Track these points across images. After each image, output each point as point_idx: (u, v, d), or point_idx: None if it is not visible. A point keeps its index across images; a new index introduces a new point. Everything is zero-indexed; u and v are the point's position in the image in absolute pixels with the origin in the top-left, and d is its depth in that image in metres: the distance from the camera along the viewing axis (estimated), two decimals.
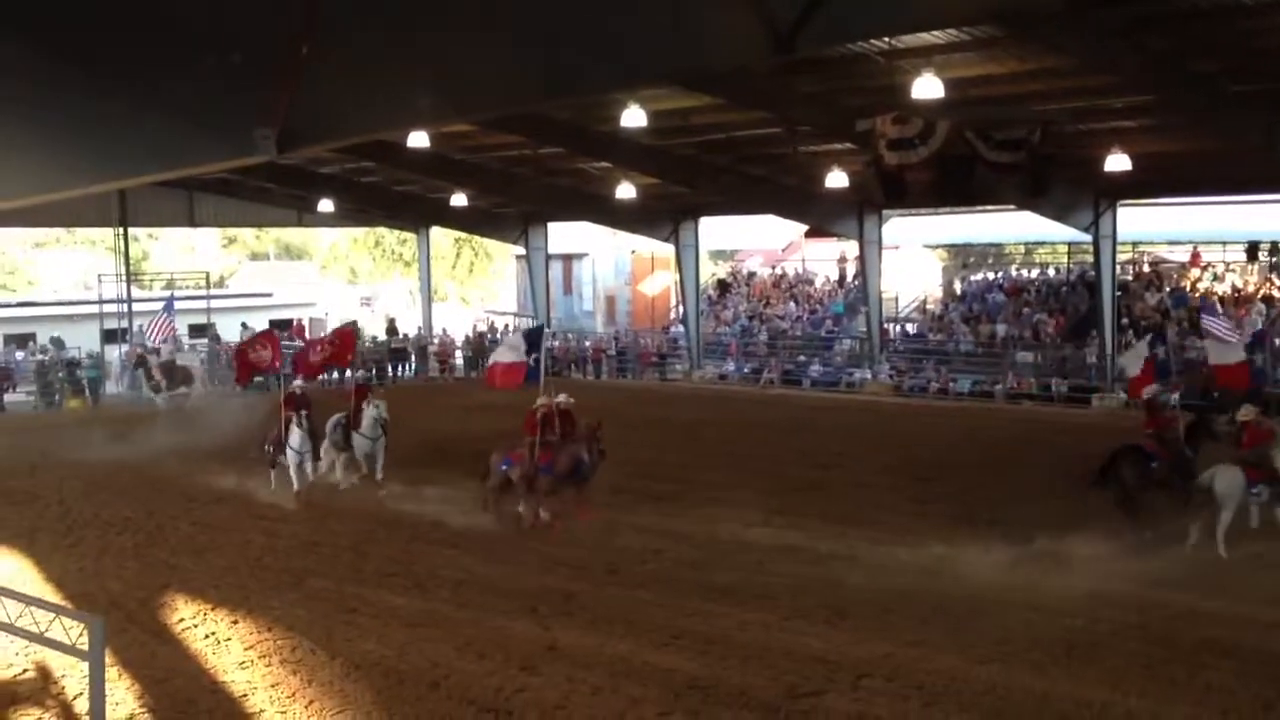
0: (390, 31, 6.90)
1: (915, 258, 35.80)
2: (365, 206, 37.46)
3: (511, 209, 36.52)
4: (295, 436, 17.17)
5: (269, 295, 42.42)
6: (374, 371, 33.67)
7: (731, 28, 7.84)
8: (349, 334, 18.54)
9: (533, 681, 9.75)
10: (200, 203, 34.29)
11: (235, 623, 11.41)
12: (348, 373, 26.27)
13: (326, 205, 35.03)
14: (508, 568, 13.36)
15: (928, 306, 33.41)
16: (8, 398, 29.65)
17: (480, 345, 36.17)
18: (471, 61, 7.23)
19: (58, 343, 32.62)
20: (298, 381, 18.83)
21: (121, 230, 33.86)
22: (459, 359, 36.44)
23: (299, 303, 43.27)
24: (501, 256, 50.91)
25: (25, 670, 10.06)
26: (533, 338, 16.95)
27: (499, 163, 30.75)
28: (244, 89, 6.65)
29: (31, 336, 34.85)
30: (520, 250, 39.43)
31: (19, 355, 32.16)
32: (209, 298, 36.93)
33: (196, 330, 36.56)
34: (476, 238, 48.37)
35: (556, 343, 36.05)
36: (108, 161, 6.83)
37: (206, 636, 11.12)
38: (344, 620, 11.42)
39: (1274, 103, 19.53)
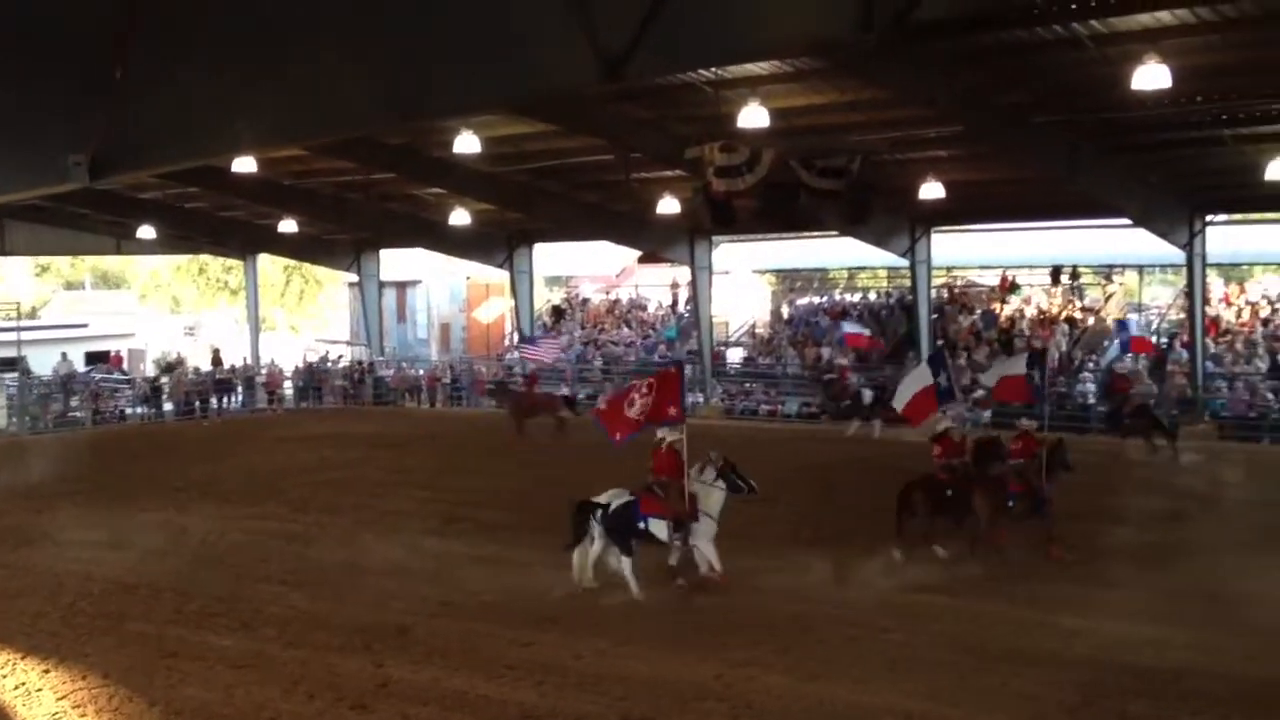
0: (211, 56, 6.77)
1: (745, 283, 36.48)
2: (189, 233, 36.35)
3: (343, 236, 35.96)
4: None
5: (84, 326, 40.69)
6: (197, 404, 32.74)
7: (563, 55, 7.95)
8: (673, 376, 14.01)
9: None
10: (11, 230, 32.74)
11: (47, 671, 10.88)
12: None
13: (147, 232, 33.80)
14: (338, 604, 13.06)
15: (757, 330, 34.09)
16: None
17: (311, 375, 35.48)
18: (297, 88, 7.15)
19: None
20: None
21: None
22: (288, 389, 35.54)
23: (117, 333, 41.60)
24: (333, 284, 49.94)
25: None
26: (936, 361, 16.39)
27: (330, 188, 30.26)
28: (54, 114, 6.42)
29: None
30: (353, 277, 38.81)
31: None
32: (19, 329, 35.17)
33: (6, 364, 34.81)
34: (307, 265, 47.38)
35: (390, 371, 35.63)
36: None
37: (16, 687, 10.58)
38: (165, 665, 11.00)
39: (1073, 133, 20.86)
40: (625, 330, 35.69)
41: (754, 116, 19.78)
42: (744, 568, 13.68)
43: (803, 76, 19.16)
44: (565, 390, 29.86)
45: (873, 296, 33.92)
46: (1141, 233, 25.17)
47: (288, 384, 35.64)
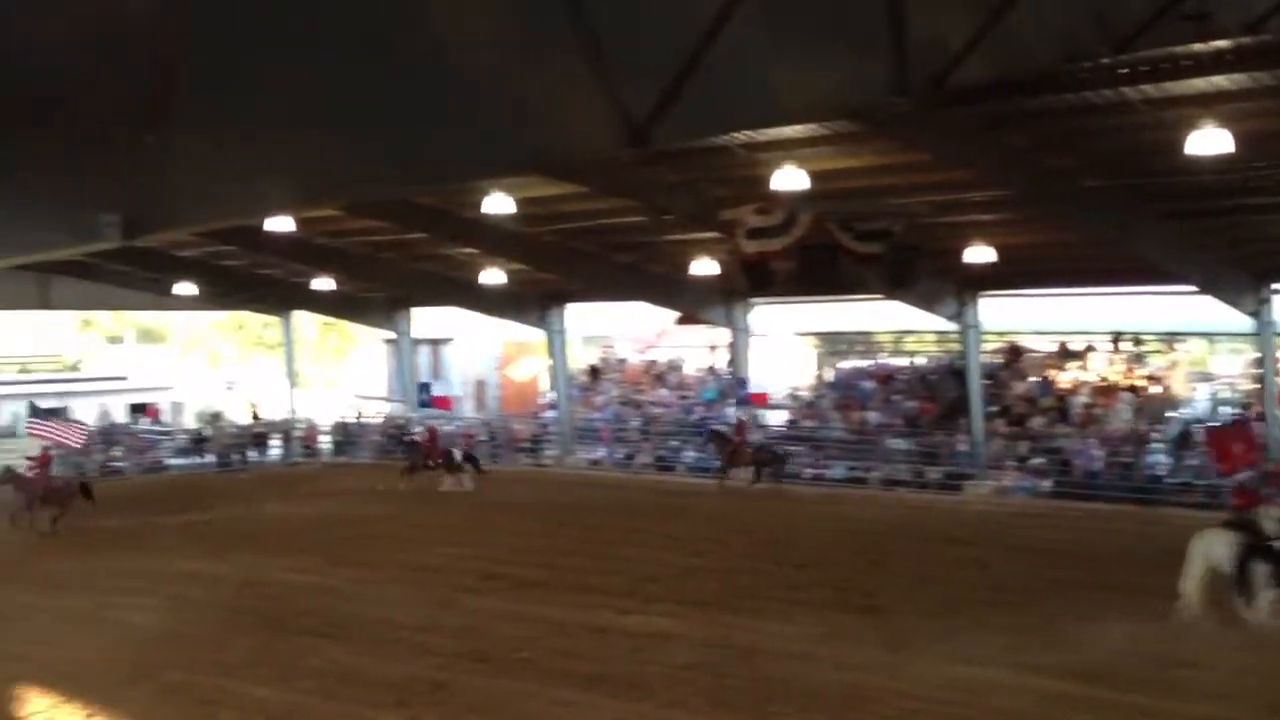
0: (239, 119, 6.85)
1: (785, 345, 36.38)
2: (227, 290, 36.66)
3: (377, 294, 36.18)
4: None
5: (125, 379, 41.09)
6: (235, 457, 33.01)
7: (588, 120, 7.96)
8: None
9: None
10: (56, 285, 33.13)
11: (89, 716, 10.91)
12: None
13: (186, 288, 34.20)
14: (374, 657, 13.00)
15: (799, 393, 33.90)
16: None
17: (346, 431, 35.74)
18: (324, 151, 7.22)
19: None
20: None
21: None
22: (325, 444, 35.76)
23: (156, 386, 42.02)
24: (367, 340, 50.24)
25: None
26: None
27: (363, 247, 30.47)
28: (89, 175, 6.51)
29: None
30: (388, 335, 39.02)
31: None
32: (64, 381, 35.66)
33: (50, 415, 35.22)
34: (343, 322, 47.71)
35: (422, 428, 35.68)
36: None
37: None
38: (203, 713, 10.99)
39: (1126, 198, 20.21)
40: (663, 391, 35.61)
41: (790, 179, 19.68)
42: (789, 633, 13.52)
43: (839, 139, 18.91)
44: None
45: (921, 361, 33.64)
46: (1207, 299, 23.93)
47: (324, 438, 35.85)
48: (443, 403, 32.36)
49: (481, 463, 28.53)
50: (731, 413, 29.08)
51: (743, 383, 30.87)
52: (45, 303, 33.74)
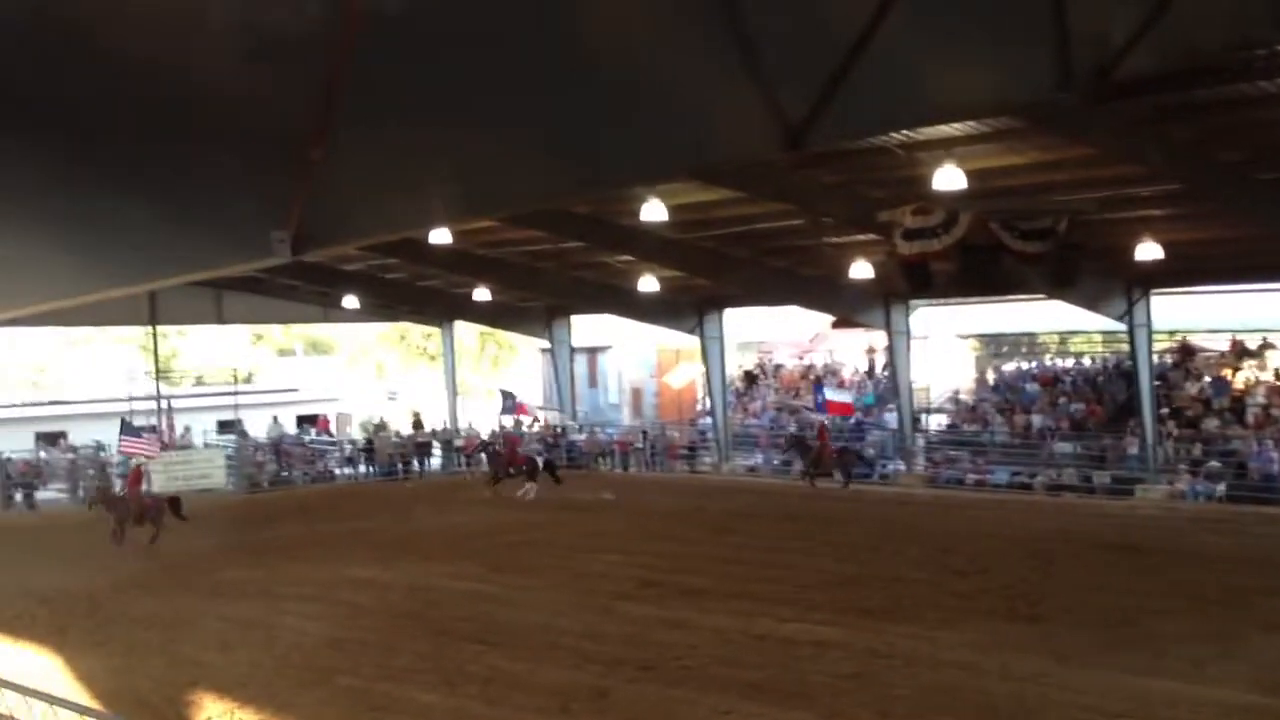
0: (403, 133, 6.98)
1: (946, 347, 35.64)
2: (390, 302, 37.72)
3: (535, 303, 36.70)
4: None
5: (295, 390, 42.55)
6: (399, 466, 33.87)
7: (743, 124, 7.88)
8: None
9: None
10: (229, 300, 34.58)
11: None
12: None
13: (351, 301, 35.32)
14: (536, 664, 13.10)
15: (960, 397, 33.14)
16: (39, 494, 29.78)
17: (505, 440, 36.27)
18: (485, 161, 7.29)
19: (98, 446, 32.72)
20: None
21: (152, 329, 34.21)
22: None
23: (324, 398, 43.41)
24: (526, 349, 51.06)
25: None
26: None
27: (521, 257, 30.93)
28: (259, 194, 6.71)
29: (62, 434, 35.06)
30: (545, 343, 39.54)
31: (44, 454, 32.25)
32: (236, 394, 37.13)
33: (225, 426, 36.83)
34: (501, 331, 48.60)
35: (583, 436, 36.01)
36: (129, 267, 6.88)
37: None
38: (371, 718, 11.19)
39: None
40: None
41: (949, 178, 19.24)
42: (954, 642, 13.17)
43: (1001, 136, 18.36)
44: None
45: (1087, 362, 32.56)
46: None
47: None
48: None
49: (559, 471, 28.99)
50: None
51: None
52: (219, 317, 35.22)
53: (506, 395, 35.72)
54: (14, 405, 38.17)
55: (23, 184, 6.33)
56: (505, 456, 29.13)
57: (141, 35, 6.19)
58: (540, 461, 28.68)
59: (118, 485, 24.36)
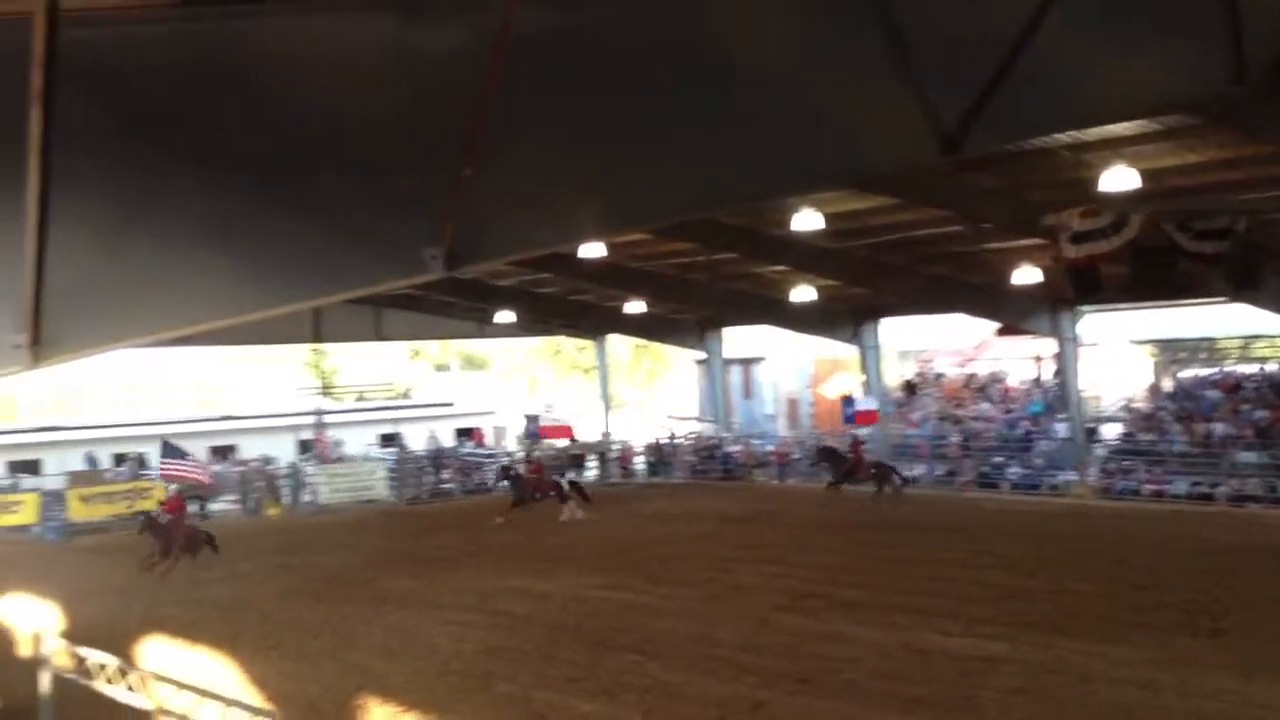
0: (553, 150, 7.03)
1: (1118, 354, 34.37)
2: (543, 316, 38.16)
3: (688, 315, 36.69)
4: None
5: (450, 405, 43.43)
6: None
7: (895, 129, 7.67)
8: None
9: None
10: (387, 318, 35.46)
11: None
12: None
13: (505, 316, 35.82)
14: (694, 675, 12.97)
15: (1134, 405, 31.86)
16: (211, 505, 30.97)
17: (660, 452, 36.40)
18: (635, 173, 7.28)
19: (265, 459, 33.92)
20: None
21: (315, 346, 35.31)
22: (640, 464, 36.53)
23: (479, 411, 44.16)
24: (680, 361, 51.15)
25: None
26: None
27: (673, 269, 30.96)
28: (413, 212, 6.83)
29: (232, 448, 36.45)
30: (700, 355, 39.48)
31: (216, 468, 33.51)
32: (396, 408, 38.09)
33: (386, 440, 37.81)
34: (655, 343, 48.76)
35: (738, 447, 35.80)
36: (294, 285, 7.08)
37: None
38: None
39: None
40: (985, 405, 34.29)
41: (1119, 179, 18.58)
42: (1130, 658, 12.59)
43: (1174, 134, 17.67)
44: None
45: (1272, 367, 30.96)
46: None
47: (639, 459, 36.61)
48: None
49: (587, 491, 28.19)
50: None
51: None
52: (379, 334, 36.15)
53: (530, 419, 35.65)
54: (188, 421, 39.81)
55: (197, 209, 6.56)
56: (530, 481, 28.21)
57: (301, 64, 6.40)
58: (565, 484, 27.93)
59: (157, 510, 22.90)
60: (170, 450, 27.52)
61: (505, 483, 29.07)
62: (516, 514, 26.71)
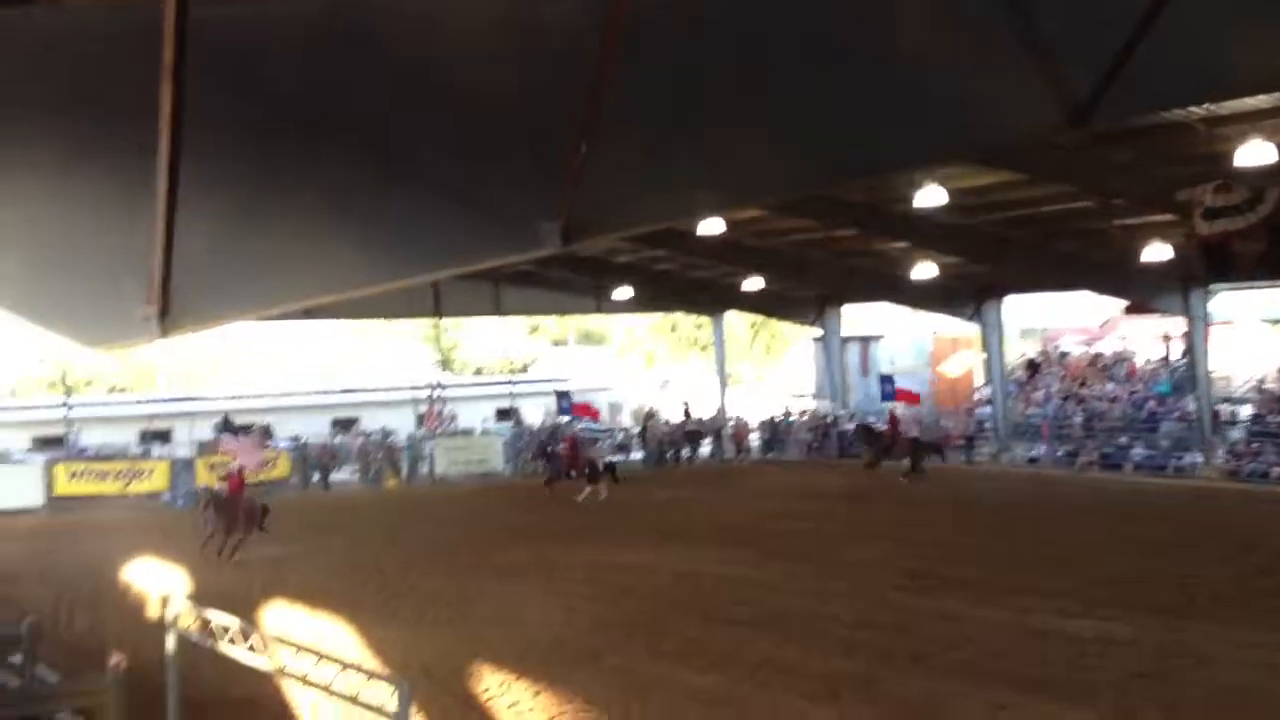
0: (668, 125, 7.05)
1: (1249, 333, 33.21)
2: (660, 293, 38.23)
3: (806, 292, 36.43)
4: None
5: (565, 380, 43.87)
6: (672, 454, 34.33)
7: (1023, 102, 7.51)
8: None
9: None
10: (506, 293, 35.86)
11: (537, 694, 11.52)
12: None
13: (623, 292, 35.99)
14: (806, 650, 12.92)
15: (1266, 385, 30.76)
16: (333, 476, 31.81)
17: (775, 429, 36.31)
18: (753, 149, 7.25)
19: (385, 431, 34.68)
20: None
21: (436, 320, 35.86)
22: (755, 441, 36.48)
23: (595, 387, 44.46)
24: (798, 338, 50.85)
25: None
26: None
27: (791, 246, 30.77)
28: (530, 186, 6.92)
29: (355, 421, 37.33)
30: (816, 332, 39.22)
31: (339, 439, 34.37)
32: (513, 383, 38.56)
33: (503, 414, 38.35)
34: (772, 320, 48.52)
35: (854, 425, 35.52)
36: (417, 259, 7.25)
37: (510, 706, 11.30)
38: (641, 698, 11.31)
39: None
40: (1110, 385, 33.43)
41: (1256, 154, 17.99)
42: (1253, 642, 12.33)
43: None
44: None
45: None
46: None
47: (754, 436, 36.55)
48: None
49: (617, 471, 28.20)
50: None
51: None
52: (497, 309, 36.62)
53: (562, 395, 35.58)
54: (312, 393, 40.82)
55: (321, 185, 6.74)
56: (565, 459, 28.55)
57: (426, 45, 6.52)
58: (601, 464, 27.92)
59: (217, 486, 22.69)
60: (229, 426, 27.87)
61: (543, 460, 30.06)
62: (551, 491, 27.34)
